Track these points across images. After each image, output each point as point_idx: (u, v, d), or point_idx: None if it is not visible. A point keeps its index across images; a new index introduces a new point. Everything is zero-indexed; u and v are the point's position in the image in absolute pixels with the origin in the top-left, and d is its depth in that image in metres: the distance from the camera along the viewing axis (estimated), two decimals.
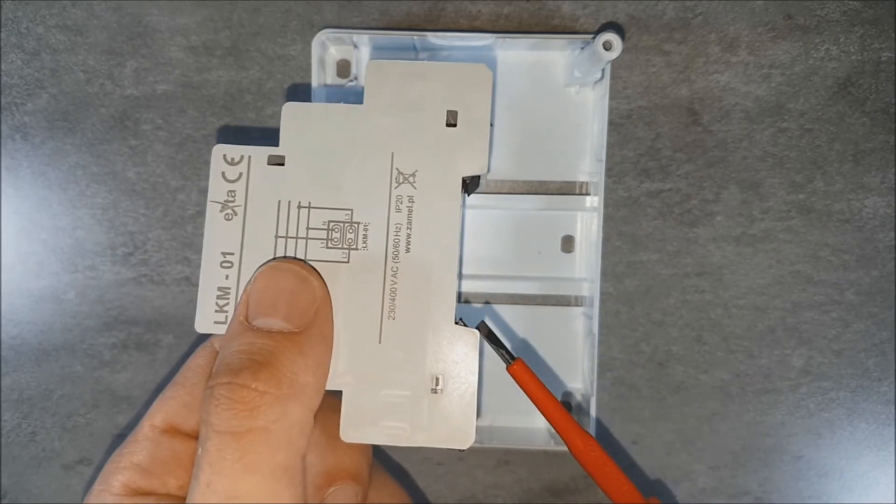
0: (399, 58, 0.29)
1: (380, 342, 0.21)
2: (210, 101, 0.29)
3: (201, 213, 0.29)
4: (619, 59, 0.27)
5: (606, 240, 0.29)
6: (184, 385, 0.21)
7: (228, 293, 0.21)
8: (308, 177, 0.22)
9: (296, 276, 0.20)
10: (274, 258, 0.21)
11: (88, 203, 0.29)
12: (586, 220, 0.29)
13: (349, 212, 0.22)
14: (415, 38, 0.27)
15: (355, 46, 0.28)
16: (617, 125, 0.29)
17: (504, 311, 0.29)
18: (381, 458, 0.30)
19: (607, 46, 0.24)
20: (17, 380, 0.30)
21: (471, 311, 0.29)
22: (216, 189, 0.21)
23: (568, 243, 0.29)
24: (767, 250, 0.29)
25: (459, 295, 0.29)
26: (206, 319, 0.21)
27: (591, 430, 0.28)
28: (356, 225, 0.22)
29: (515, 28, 0.29)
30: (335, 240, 0.21)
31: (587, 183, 0.29)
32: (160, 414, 0.21)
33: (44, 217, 0.29)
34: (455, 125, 0.23)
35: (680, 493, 0.30)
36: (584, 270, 0.29)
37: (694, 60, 0.29)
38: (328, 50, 0.28)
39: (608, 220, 0.29)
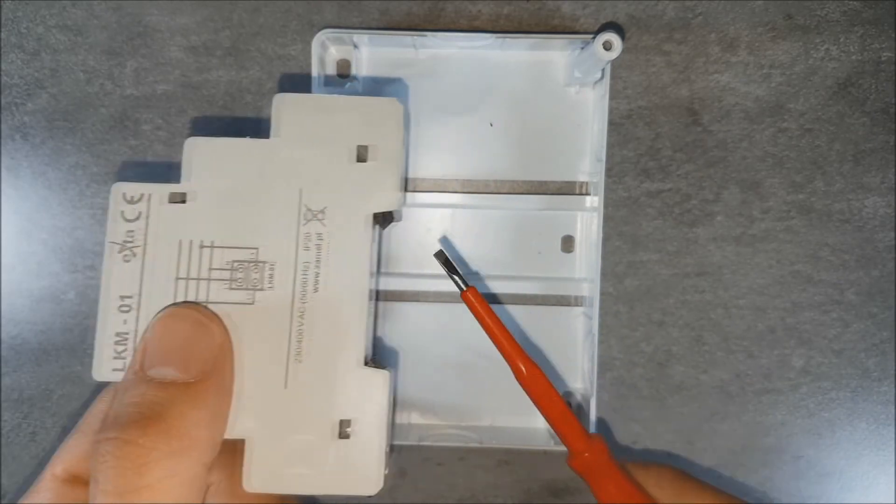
0: (399, 57, 0.29)
1: (285, 387, 0.20)
2: (210, 101, 0.29)
3: None
4: (619, 59, 0.27)
5: (606, 240, 0.29)
6: (85, 433, 0.20)
7: (127, 339, 0.20)
8: (211, 215, 0.21)
9: (193, 322, 0.19)
10: (173, 304, 0.20)
11: (88, 203, 0.29)
12: (586, 220, 0.29)
13: (254, 251, 0.21)
14: (415, 38, 0.27)
15: (355, 46, 0.28)
16: (617, 125, 0.29)
17: (504, 310, 0.29)
18: None
19: (607, 46, 0.24)
20: (17, 380, 0.30)
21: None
22: (114, 229, 0.21)
23: (568, 243, 0.29)
24: (767, 250, 0.29)
25: (375, 332, 0.28)
26: (104, 367, 0.20)
27: (591, 430, 0.28)
28: (262, 264, 0.21)
29: (515, 28, 0.29)
30: (239, 280, 0.21)
31: (587, 183, 0.29)
32: (61, 464, 0.20)
33: (44, 217, 0.29)
34: (366, 160, 0.22)
35: None
36: (584, 270, 0.29)
37: (694, 60, 0.29)
38: (328, 50, 0.28)
39: (608, 220, 0.29)
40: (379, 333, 0.29)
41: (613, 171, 0.29)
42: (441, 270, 0.29)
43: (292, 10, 0.29)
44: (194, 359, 0.19)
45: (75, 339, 0.30)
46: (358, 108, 0.22)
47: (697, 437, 0.30)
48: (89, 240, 0.29)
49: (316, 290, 0.21)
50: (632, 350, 0.30)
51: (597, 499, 0.23)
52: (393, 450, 0.27)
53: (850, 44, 0.29)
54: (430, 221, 0.29)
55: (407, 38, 0.28)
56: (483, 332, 0.29)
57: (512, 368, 0.25)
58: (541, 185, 0.29)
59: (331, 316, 0.21)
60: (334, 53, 0.29)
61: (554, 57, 0.29)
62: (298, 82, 0.29)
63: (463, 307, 0.29)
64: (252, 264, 0.21)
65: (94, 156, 0.29)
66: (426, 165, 0.29)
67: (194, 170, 0.21)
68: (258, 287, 0.21)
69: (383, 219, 0.23)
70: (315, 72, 0.27)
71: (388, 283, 0.29)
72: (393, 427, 0.27)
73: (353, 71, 0.28)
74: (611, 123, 0.29)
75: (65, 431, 0.30)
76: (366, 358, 0.21)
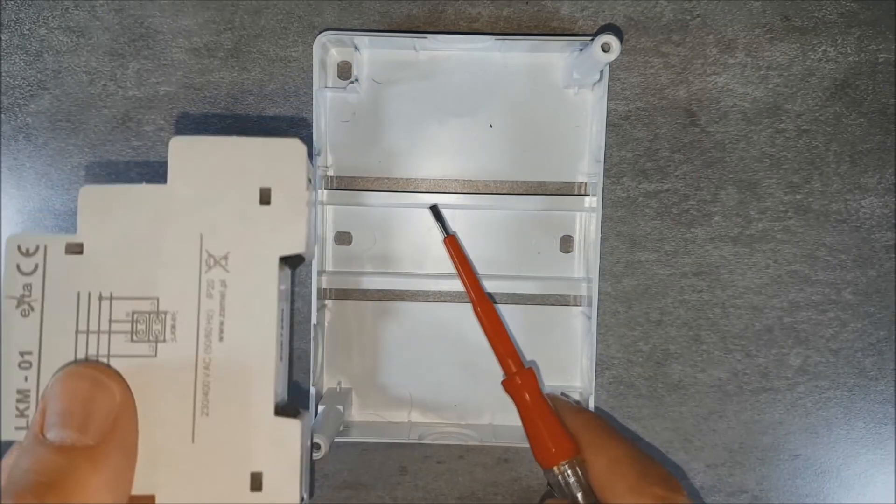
0: (400, 59, 0.29)
1: (193, 441, 0.20)
2: (212, 102, 0.29)
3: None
4: (617, 60, 0.27)
5: (605, 240, 0.29)
6: None
7: (28, 396, 0.19)
8: (110, 265, 0.20)
9: (92, 382, 0.19)
10: (72, 362, 0.20)
11: None
12: (585, 220, 0.29)
13: (155, 300, 0.20)
14: (415, 39, 0.27)
15: (356, 48, 0.28)
16: (615, 126, 0.29)
17: (503, 310, 0.29)
18: (382, 456, 0.30)
19: (606, 48, 0.24)
20: None
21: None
22: (11, 283, 0.19)
23: (567, 243, 0.30)
24: (765, 250, 0.30)
25: (289, 378, 0.26)
26: (7, 425, 0.19)
27: None
28: (163, 315, 0.20)
29: (515, 30, 0.29)
30: (140, 332, 0.20)
31: (586, 183, 0.29)
32: None
33: (47, 217, 0.30)
34: (269, 203, 0.21)
35: None
36: (582, 270, 0.29)
37: (692, 62, 0.29)
38: (329, 52, 0.29)
39: (606, 220, 0.29)
40: (379, 333, 0.29)
41: (612, 172, 0.29)
42: (441, 270, 0.29)
43: (293, 12, 0.29)
44: (93, 420, 0.18)
45: None
46: (258, 149, 0.21)
47: (695, 436, 0.30)
48: None
49: (221, 339, 0.20)
50: (630, 349, 0.30)
51: (522, 423, 0.26)
52: (312, 497, 0.27)
53: (848, 45, 0.29)
54: (431, 221, 0.29)
55: (407, 39, 0.28)
56: (483, 333, 0.29)
57: (473, 305, 0.28)
58: (540, 185, 0.29)
59: (238, 365, 0.20)
60: (335, 55, 0.29)
61: (553, 59, 0.29)
62: (300, 84, 0.29)
63: (463, 307, 0.29)
64: (153, 315, 0.20)
65: (97, 156, 0.29)
66: (426, 166, 0.29)
67: (90, 219, 0.20)
68: (160, 339, 0.20)
69: (293, 261, 0.22)
70: (316, 73, 0.28)
71: (388, 283, 0.29)
72: (313, 473, 0.26)
73: (354, 73, 0.28)
74: (609, 124, 0.29)
75: None
76: (277, 406, 0.21)
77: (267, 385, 0.20)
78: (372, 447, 0.30)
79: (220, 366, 0.20)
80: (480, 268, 0.29)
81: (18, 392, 0.19)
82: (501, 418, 0.29)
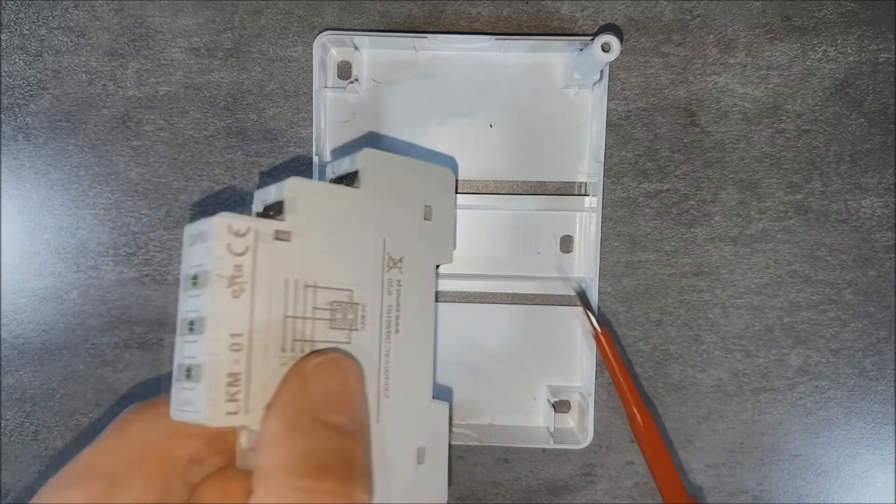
0: (400, 59, 0.29)
1: (377, 420, 0.22)
2: (212, 102, 0.29)
3: (204, 214, 0.30)
4: (617, 60, 0.27)
5: (605, 240, 0.29)
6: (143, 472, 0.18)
7: (239, 380, 0.18)
8: (313, 255, 0.20)
9: (356, 374, 0.20)
10: (328, 350, 0.20)
11: (91, 203, 0.30)
12: (585, 220, 0.29)
13: (350, 292, 0.21)
14: (415, 39, 0.27)
15: (356, 48, 0.28)
16: (615, 126, 0.29)
17: (504, 310, 0.29)
18: None
19: (606, 48, 0.24)
20: (19, 379, 0.30)
21: (469, 309, 0.29)
22: (222, 262, 0.18)
23: (567, 243, 0.30)
24: (765, 250, 0.30)
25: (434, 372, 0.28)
26: (217, 411, 0.17)
27: (590, 428, 0.28)
28: (356, 306, 0.21)
29: (515, 30, 0.29)
30: (338, 321, 0.21)
31: (586, 183, 0.29)
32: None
33: (47, 217, 0.30)
34: (430, 219, 0.25)
35: None
36: (582, 270, 0.29)
37: (692, 62, 0.29)
38: (329, 52, 0.29)
39: (606, 220, 0.29)
40: None
41: (612, 172, 0.29)
42: (441, 270, 0.29)
43: (293, 12, 0.29)
44: (361, 409, 0.19)
45: (78, 339, 0.30)
46: (425, 172, 0.25)
47: (695, 436, 0.30)
48: (92, 240, 0.30)
49: (397, 331, 0.23)
50: (630, 349, 0.30)
51: None
52: (451, 469, 0.30)
53: (848, 45, 0.29)
54: None
55: (407, 39, 0.28)
56: (483, 333, 0.29)
57: (627, 414, 0.28)
58: (540, 185, 0.29)
59: (408, 354, 0.23)
60: (335, 55, 0.29)
61: (553, 58, 0.29)
62: (300, 84, 0.29)
63: (464, 307, 0.29)
64: (348, 305, 0.21)
65: (97, 156, 0.29)
66: None
67: (298, 209, 0.20)
68: (353, 328, 0.21)
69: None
70: (316, 73, 0.28)
71: None
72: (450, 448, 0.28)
73: (354, 73, 0.28)
74: (609, 124, 0.29)
75: (67, 430, 0.31)
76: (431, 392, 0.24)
77: (427, 372, 0.24)
78: None
79: (396, 354, 0.23)
80: (481, 268, 0.29)
81: (229, 375, 0.18)
82: (501, 418, 0.29)
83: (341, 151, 0.29)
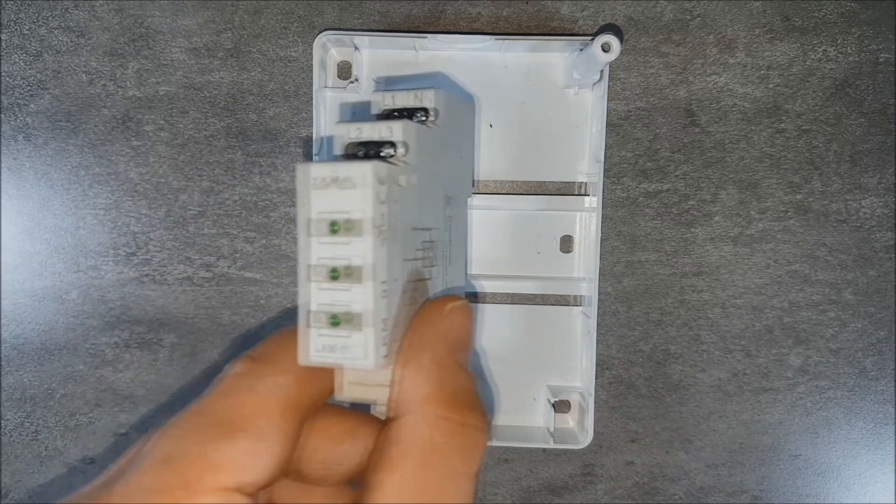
0: (400, 59, 0.29)
1: None
2: (212, 102, 0.29)
3: (203, 214, 0.30)
4: (617, 60, 0.27)
5: (605, 240, 0.29)
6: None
7: (388, 324, 0.19)
8: (416, 197, 0.21)
9: (471, 315, 0.20)
10: (453, 295, 0.21)
11: (91, 203, 0.30)
12: (585, 220, 0.29)
13: (429, 231, 0.22)
14: (415, 39, 0.27)
15: (356, 48, 0.28)
16: (615, 126, 0.29)
17: (504, 310, 0.29)
18: None
19: (606, 48, 0.24)
20: (19, 379, 0.30)
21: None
22: (377, 210, 0.18)
23: (567, 243, 0.30)
24: (765, 250, 0.30)
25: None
26: (379, 355, 0.18)
27: (590, 429, 0.28)
28: (433, 244, 0.22)
29: (515, 30, 0.29)
30: (427, 259, 0.21)
31: (586, 183, 0.29)
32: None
33: (46, 217, 0.30)
34: (464, 156, 0.26)
35: (678, 491, 0.30)
36: (582, 270, 0.29)
37: (692, 62, 0.29)
38: (329, 52, 0.29)
39: (606, 220, 0.29)
40: None
41: (612, 172, 0.29)
42: None
43: (293, 12, 0.29)
44: (471, 348, 0.21)
45: (77, 339, 0.30)
46: (465, 107, 0.28)
47: (695, 436, 0.30)
48: (92, 240, 0.30)
49: (450, 263, 0.23)
50: (630, 349, 0.30)
51: None
52: None
53: (848, 45, 0.29)
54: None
55: (407, 39, 0.28)
56: (483, 333, 0.29)
57: None
58: (540, 185, 0.29)
59: (455, 288, 0.24)
60: (335, 55, 0.29)
61: (553, 58, 0.29)
62: (300, 84, 0.29)
63: None
64: (430, 244, 0.22)
65: (97, 156, 0.29)
66: None
67: (416, 154, 0.20)
68: (433, 264, 0.22)
69: None
70: (316, 73, 0.28)
71: None
72: None
73: (354, 72, 0.28)
74: (609, 124, 0.29)
75: (67, 430, 0.31)
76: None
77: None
78: None
79: (449, 285, 0.23)
80: (481, 268, 0.29)
81: (383, 321, 0.18)
82: (501, 418, 0.29)
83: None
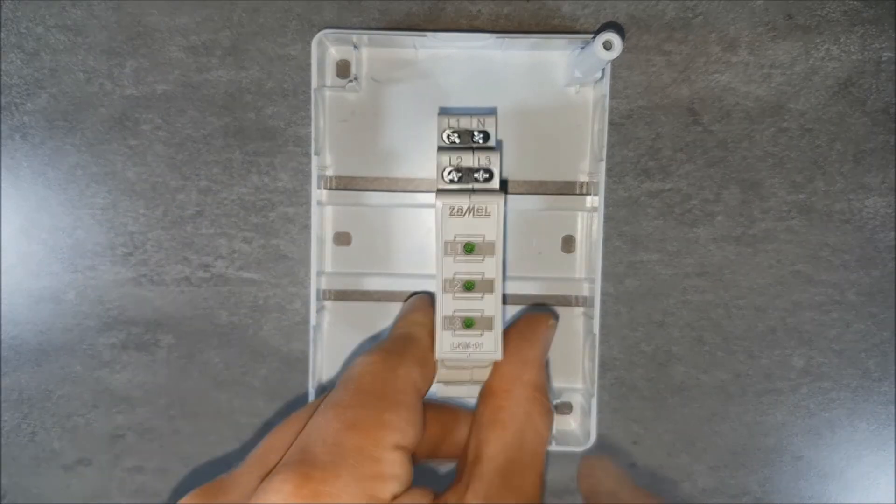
0: (399, 57, 0.29)
1: None
2: (210, 101, 0.29)
3: (201, 214, 0.29)
4: (619, 58, 0.27)
5: (607, 240, 0.29)
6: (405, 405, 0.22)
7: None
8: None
9: (555, 332, 0.26)
10: (550, 312, 0.27)
11: (88, 203, 0.29)
12: (587, 220, 0.29)
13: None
14: (415, 38, 0.27)
15: (355, 47, 0.28)
16: (617, 125, 0.29)
17: (505, 310, 0.29)
18: None
19: (607, 46, 0.24)
20: (16, 380, 0.30)
21: None
22: (501, 234, 0.23)
23: (568, 243, 0.29)
24: (768, 250, 0.29)
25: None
26: (500, 348, 0.23)
27: (592, 431, 0.28)
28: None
29: (515, 28, 0.29)
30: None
31: (587, 183, 0.29)
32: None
33: (43, 217, 0.29)
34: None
35: (681, 493, 0.30)
36: (584, 270, 0.29)
37: (694, 60, 0.29)
38: (328, 50, 0.28)
39: (608, 220, 0.29)
40: (379, 334, 0.29)
41: (614, 171, 0.29)
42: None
43: (292, 10, 0.29)
44: None
45: (75, 340, 0.30)
46: None
47: (698, 438, 0.30)
48: (89, 240, 0.29)
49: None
50: (632, 350, 0.30)
51: None
52: None
53: (851, 44, 0.29)
54: (430, 222, 0.29)
55: (407, 38, 0.27)
56: None
57: None
58: (541, 185, 0.29)
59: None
60: (334, 54, 0.29)
61: (554, 57, 0.29)
62: (299, 83, 0.29)
63: None
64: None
65: (94, 156, 0.29)
66: (426, 166, 0.29)
67: (498, 179, 0.24)
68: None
69: None
70: (315, 72, 0.27)
71: (387, 284, 0.29)
72: None
73: (353, 71, 0.28)
74: (611, 123, 0.29)
75: (65, 431, 0.30)
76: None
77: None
78: None
79: None
80: None
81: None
82: None
83: (341, 151, 0.29)
